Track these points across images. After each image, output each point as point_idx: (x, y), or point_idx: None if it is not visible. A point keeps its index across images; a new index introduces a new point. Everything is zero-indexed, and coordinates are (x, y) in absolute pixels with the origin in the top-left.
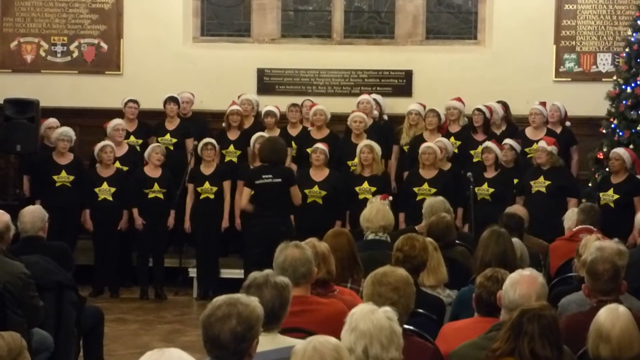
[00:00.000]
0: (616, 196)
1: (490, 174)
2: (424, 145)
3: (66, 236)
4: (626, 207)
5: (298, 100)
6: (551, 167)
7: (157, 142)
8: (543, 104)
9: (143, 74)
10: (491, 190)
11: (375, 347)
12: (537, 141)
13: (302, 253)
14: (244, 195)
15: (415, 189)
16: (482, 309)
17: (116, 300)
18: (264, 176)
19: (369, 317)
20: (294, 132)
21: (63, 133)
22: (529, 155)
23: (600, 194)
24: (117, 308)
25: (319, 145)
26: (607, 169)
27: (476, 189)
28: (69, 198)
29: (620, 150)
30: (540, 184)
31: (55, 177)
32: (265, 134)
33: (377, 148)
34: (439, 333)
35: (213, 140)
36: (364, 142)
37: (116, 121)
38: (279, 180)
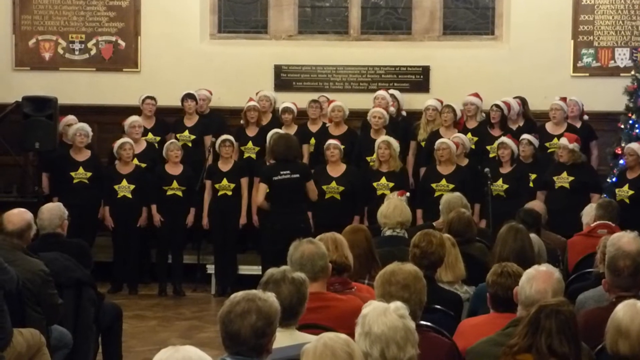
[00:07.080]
0: (631, 192)
1: (506, 169)
2: (438, 141)
3: (85, 233)
4: None
5: (315, 96)
6: (573, 163)
7: (176, 138)
8: (564, 99)
9: (160, 71)
10: (505, 186)
11: (392, 349)
12: (557, 136)
13: (318, 247)
14: (260, 191)
15: (433, 185)
16: (498, 306)
17: (135, 296)
18: (282, 172)
19: (382, 319)
20: (314, 128)
21: (79, 128)
22: (549, 150)
23: (616, 190)
24: (136, 305)
25: (332, 141)
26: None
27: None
28: (86, 194)
29: (634, 146)
30: (563, 180)
31: (72, 174)
32: (281, 130)
33: (395, 144)
34: (456, 329)
35: (231, 137)
36: (381, 138)
37: (133, 118)
38: (297, 175)
